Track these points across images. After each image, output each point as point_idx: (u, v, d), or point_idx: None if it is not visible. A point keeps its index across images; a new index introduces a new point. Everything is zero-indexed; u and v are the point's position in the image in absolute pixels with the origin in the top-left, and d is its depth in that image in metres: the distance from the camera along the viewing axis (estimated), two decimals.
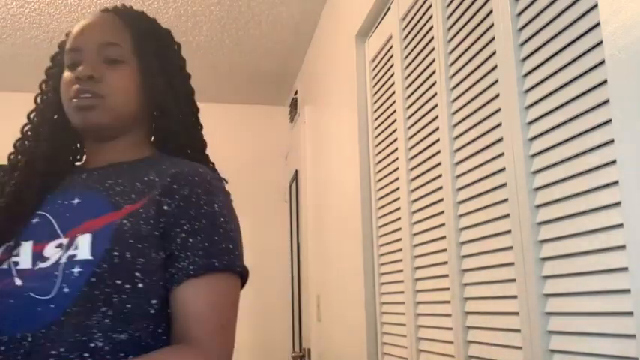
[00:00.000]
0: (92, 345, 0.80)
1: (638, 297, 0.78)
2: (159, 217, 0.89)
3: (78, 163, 1.08)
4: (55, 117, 1.02)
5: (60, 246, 0.87)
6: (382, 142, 1.95)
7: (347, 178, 2.28)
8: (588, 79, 0.91)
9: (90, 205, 0.92)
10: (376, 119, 2.02)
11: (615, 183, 0.84)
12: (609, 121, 0.85)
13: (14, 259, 0.87)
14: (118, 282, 0.82)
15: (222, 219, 0.91)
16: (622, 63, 0.81)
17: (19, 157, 1.01)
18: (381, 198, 1.96)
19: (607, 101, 0.86)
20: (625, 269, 0.82)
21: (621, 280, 0.83)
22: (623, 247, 0.82)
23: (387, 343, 1.90)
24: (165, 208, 0.90)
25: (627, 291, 0.81)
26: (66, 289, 0.82)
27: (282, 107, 4.02)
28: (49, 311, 0.81)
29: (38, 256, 0.87)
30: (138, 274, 0.84)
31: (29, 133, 1.03)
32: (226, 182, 1.01)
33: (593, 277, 0.91)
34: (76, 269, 0.83)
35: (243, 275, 0.93)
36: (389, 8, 1.90)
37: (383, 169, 1.94)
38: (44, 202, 0.95)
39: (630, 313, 0.80)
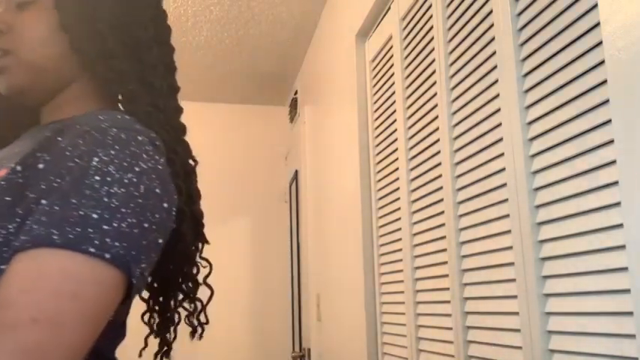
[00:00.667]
0: None
1: (638, 297, 0.78)
2: (26, 179, 0.67)
3: None
4: None
5: None
6: (382, 142, 1.95)
7: (347, 178, 2.28)
8: (588, 79, 0.92)
9: None
10: (376, 119, 2.02)
11: (615, 183, 0.84)
12: (609, 121, 0.85)
13: None
14: None
15: (97, 177, 0.62)
16: (622, 63, 0.81)
17: None
18: (381, 198, 1.96)
19: (607, 101, 0.86)
20: (625, 269, 0.82)
21: (621, 280, 0.83)
22: (623, 247, 0.82)
23: (387, 343, 1.90)
24: (40, 166, 0.67)
25: (627, 291, 0.81)
26: None
27: (282, 107, 4.03)
28: None
29: None
30: None
31: None
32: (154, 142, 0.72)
33: (593, 277, 0.91)
34: None
35: (118, 261, 0.61)
36: (389, 8, 1.90)
37: (383, 169, 1.94)
38: None
39: (630, 313, 0.80)
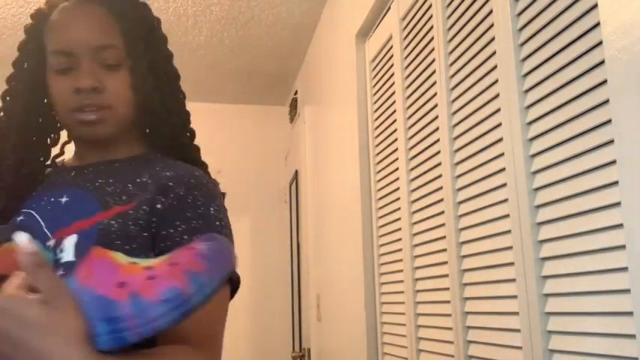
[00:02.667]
0: None
1: (638, 297, 0.78)
2: (151, 217, 0.84)
3: (60, 159, 1.02)
4: (30, 106, 0.95)
5: (47, 248, 0.82)
6: (382, 142, 1.95)
7: (347, 178, 2.28)
8: (588, 79, 0.91)
9: (78, 205, 0.88)
10: (376, 119, 2.02)
11: (615, 183, 0.84)
12: (609, 121, 0.85)
13: None
14: None
15: (217, 223, 0.86)
16: (622, 63, 0.81)
17: None
18: (381, 198, 1.96)
19: (607, 101, 0.86)
20: (625, 269, 0.82)
21: (621, 280, 0.83)
22: (623, 247, 0.82)
23: (387, 343, 1.90)
24: (159, 206, 0.85)
25: (627, 291, 0.81)
26: None
27: (282, 107, 4.02)
28: None
29: None
30: None
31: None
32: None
33: (593, 277, 0.91)
34: (59, 272, 0.78)
35: (234, 282, 0.86)
36: (389, 8, 1.90)
37: (383, 169, 1.94)
38: (30, 199, 0.91)
39: (630, 313, 0.80)
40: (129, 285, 0.62)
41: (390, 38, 1.86)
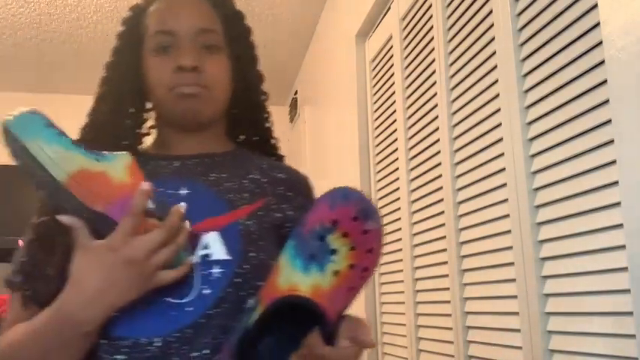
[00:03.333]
0: None
1: (638, 297, 0.78)
2: (283, 222, 0.88)
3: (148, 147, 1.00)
4: (125, 91, 0.94)
5: None
6: (382, 142, 1.95)
7: (347, 178, 2.28)
8: (588, 79, 0.91)
9: (202, 199, 0.86)
10: (376, 119, 2.02)
11: (615, 183, 0.84)
12: (609, 121, 0.85)
13: None
14: (259, 283, 0.76)
15: None
16: (622, 63, 0.81)
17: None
18: (381, 198, 1.96)
19: (607, 101, 0.86)
20: (625, 269, 0.82)
21: (621, 280, 0.83)
22: (623, 247, 0.82)
23: (387, 343, 1.90)
24: (289, 213, 0.90)
25: (627, 291, 0.81)
26: (206, 291, 0.78)
27: (282, 107, 4.02)
28: (184, 314, 0.77)
29: None
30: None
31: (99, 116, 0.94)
32: None
33: (593, 276, 0.91)
34: (216, 270, 0.80)
35: None
36: (389, 8, 1.90)
37: (383, 169, 1.94)
38: None
39: (630, 313, 0.80)
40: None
41: (390, 38, 1.86)
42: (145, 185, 0.76)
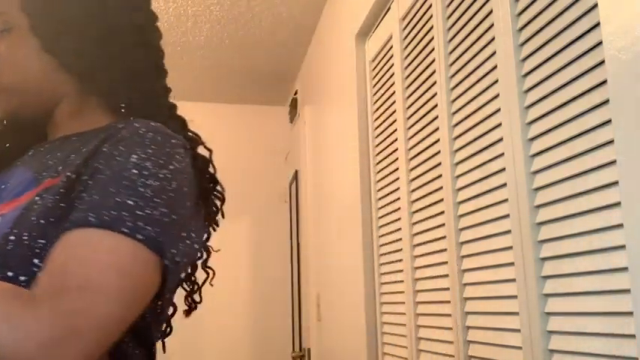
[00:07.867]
0: None
1: (638, 297, 0.78)
2: (75, 184, 0.70)
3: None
4: None
5: None
6: (382, 142, 1.95)
7: (347, 178, 2.28)
8: (588, 79, 0.91)
9: (17, 184, 0.76)
10: (376, 119, 2.02)
11: (615, 183, 0.84)
12: (609, 121, 0.85)
13: None
14: (10, 274, 0.65)
15: (134, 171, 0.68)
16: (622, 63, 0.81)
17: None
18: (381, 198, 1.96)
19: (607, 101, 0.86)
20: (625, 269, 0.82)
21: (621, 280, 0.83)
22: (623, 247, 0.82)
23: (387, 343, 1.90)
24: (84, 177, 0.71)
25: (627, 291, 0.81)
26: None
27: (282, 107, 4.02)
28: None
29: None
30: (36, 260, 0.66)
31: None
32: (201, 145, 0.84)
33: (593, 277, 0.91)
34: None
35: (150, 244, 0.65)
36: (389, 8, 1.90)
37: (383, 169, 1.94)
38: None
39: (630, 313, 0.80)
40: None
41: (390, 38, 1.86)
42: None
